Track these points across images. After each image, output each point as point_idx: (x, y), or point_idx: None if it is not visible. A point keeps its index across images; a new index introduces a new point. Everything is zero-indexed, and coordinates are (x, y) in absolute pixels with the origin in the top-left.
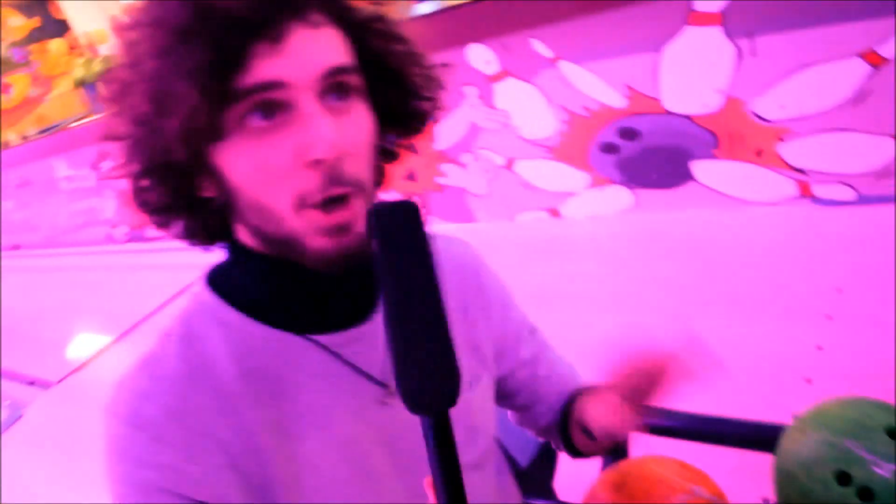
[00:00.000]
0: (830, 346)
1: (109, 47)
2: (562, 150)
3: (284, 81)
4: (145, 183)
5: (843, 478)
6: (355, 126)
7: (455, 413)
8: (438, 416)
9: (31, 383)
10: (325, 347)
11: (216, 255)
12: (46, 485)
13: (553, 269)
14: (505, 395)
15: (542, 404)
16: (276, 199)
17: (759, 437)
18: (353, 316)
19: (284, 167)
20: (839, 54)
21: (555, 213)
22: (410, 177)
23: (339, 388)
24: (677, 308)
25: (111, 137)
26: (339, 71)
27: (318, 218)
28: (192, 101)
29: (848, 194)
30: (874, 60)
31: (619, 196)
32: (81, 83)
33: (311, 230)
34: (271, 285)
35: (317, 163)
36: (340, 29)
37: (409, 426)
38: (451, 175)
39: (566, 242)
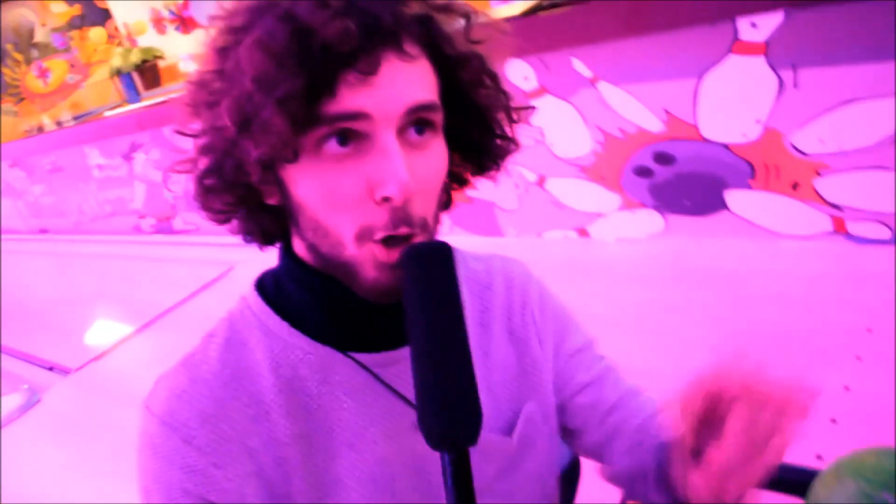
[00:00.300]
0: (858, 387)
1: (147, 38)
2: (595, 171)
3: (369, 114)
4: (210, 182)
5: None
6: (430, 162)
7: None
8: (457, 452)
9: (51, 368)
10: (365, 367)
11: (243, 254)
12: (59, 469)
13: (578, 289)
14: (570, 431)
15: (618, 443)
16: (339, 225)
17: (789, 479)
18: (396, 338)
19: (353, 197)
20: (883, 92)
21: (583, 232)
22: None
23: (374, 409)
24: (702, 337)
25: (184, 133)
26: (423, 108)
27: (378, 252)
28: (279, 130)
29: (883, 233)
30: None
31: (650, 220)
32: (117, 72)
33: (368, 261)
34: (319, 300)
35: (386, 200)
36: (432, 61)
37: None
38: (482, 188)
39: (593, 263)
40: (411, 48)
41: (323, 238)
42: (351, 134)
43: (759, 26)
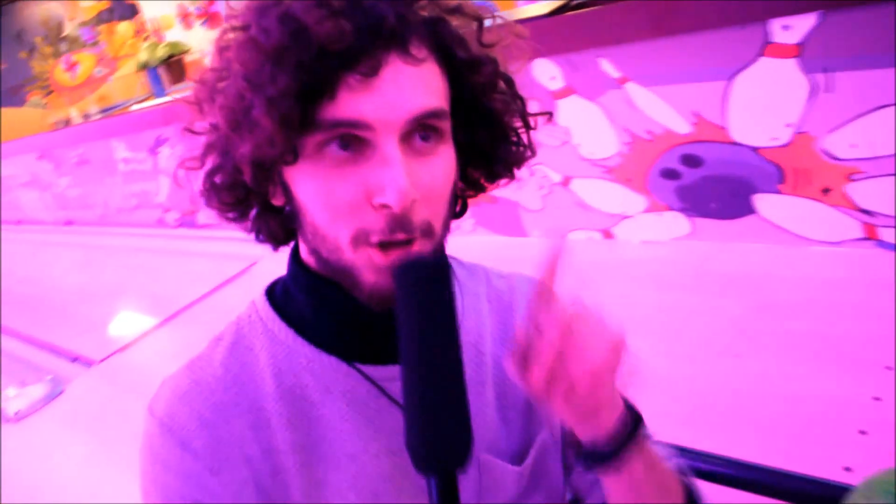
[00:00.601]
0: (888, 398)
1: (174, 33)
2: (620, 172)
3: (370, 123)
4: (215, 180)
5: None
6: (436, 170)
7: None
8: (443, 477)
9: (75, 360)
10: (369, 379)
11: (266, 249)
12: (81, 460)
13: (601, 292)
14: (566, 466)
15: (595, 495)
16: (337, 229)
17: (819, 495)
18: None
19: (351, 202)
20: None
21: (608, 234)
22: None
23: (378, 422)
24: (727, 344)
25: (190, 131)
26: (428, 115)
27: (375, 256)
28: (268, 130)
29: None
30: None
31: (676, 223)
32: (144, 66)
33: (366, 266)
34: (324, 307)
35: (384, 206)
36: (443, 65)
37: None
38: (506, 188)
39: (617, 265)
40: (418, 51)
41: (322, 242)
42: (352, 139)
43: (792, 28)
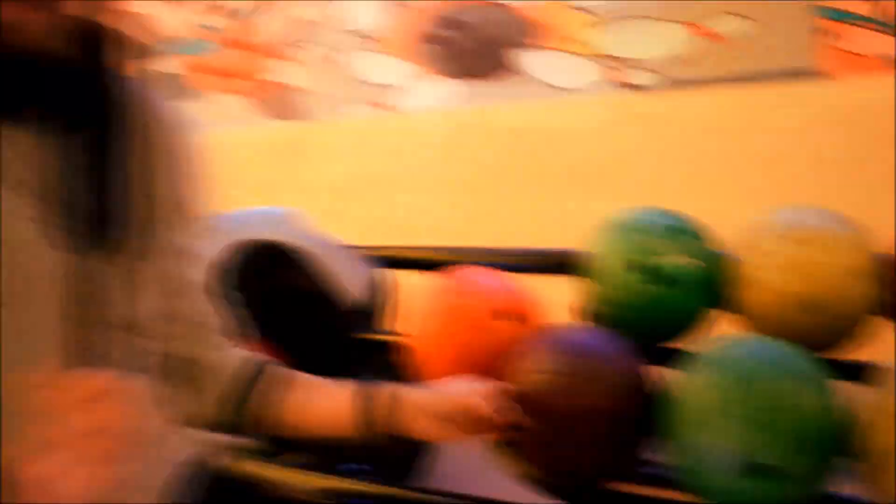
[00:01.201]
0: None
1: None
2: (388, 42)
3: None
4: None
5: (637, 265)
6: None
7: None
8: None
9: None
10: None
11: None
12: None
13: (384, 162)
14: None
15: None
16: None
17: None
18: None
19: None
20: None
21: (384, 106)
22: (229, 75)
23: None
24: (507, 193)
25: None
26: None
27: None
28: None
29: (653, 78)
30: None
31: (448, 87)
32: None
33: None
34: None
35: None
36: None
37: None
38: (275, 70)
39: (396, 135)
40: None
41: None
42: None
43: None
